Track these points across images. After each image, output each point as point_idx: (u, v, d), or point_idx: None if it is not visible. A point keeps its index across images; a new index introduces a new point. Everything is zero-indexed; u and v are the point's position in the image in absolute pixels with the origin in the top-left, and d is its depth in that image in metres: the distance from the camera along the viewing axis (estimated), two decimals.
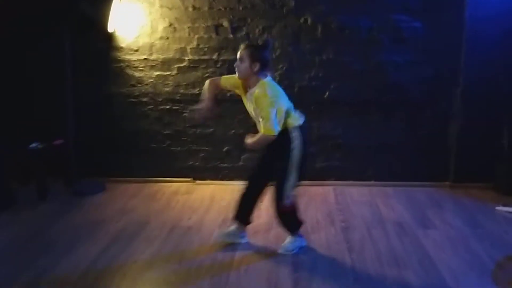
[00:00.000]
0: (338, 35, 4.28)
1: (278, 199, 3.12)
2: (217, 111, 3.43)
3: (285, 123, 3.05)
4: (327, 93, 4.39)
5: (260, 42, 4.03)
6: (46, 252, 3.22)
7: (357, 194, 4.31)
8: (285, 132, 3.05)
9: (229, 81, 3.21)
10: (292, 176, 3.07)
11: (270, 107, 2.93)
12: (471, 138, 4.34)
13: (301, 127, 3.10)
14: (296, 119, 3.11)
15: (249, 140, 3.12)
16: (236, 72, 3.07)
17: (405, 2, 4.19)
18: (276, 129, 2.97)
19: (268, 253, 3.17)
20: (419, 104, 4.37)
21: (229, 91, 3.48)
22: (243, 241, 3.35)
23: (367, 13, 4.23)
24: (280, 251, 3.21)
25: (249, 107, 3.14)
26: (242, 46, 3.06)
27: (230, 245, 3.28)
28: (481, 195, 4.22)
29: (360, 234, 3.46)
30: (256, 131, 3.12)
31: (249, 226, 3.37)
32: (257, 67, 2.98)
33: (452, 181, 4.44)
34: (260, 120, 2.99)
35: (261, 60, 2.98)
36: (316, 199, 4.20)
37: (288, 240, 3.26)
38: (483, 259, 3.07)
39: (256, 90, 2.98)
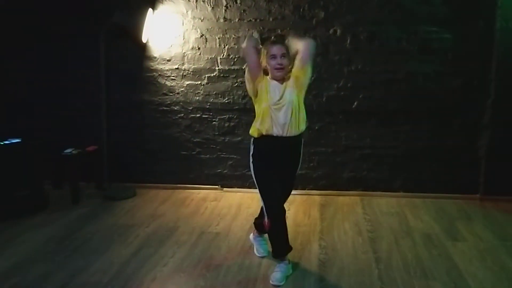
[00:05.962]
0: (367, 46, 4.30)
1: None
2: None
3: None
4: (355, 103, 4.40)
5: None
6: (79, 254, 3.32)
7: (385, 204, 4.29)
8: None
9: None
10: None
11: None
12: (501, 150, 4.28)
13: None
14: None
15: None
16: (280, 71, 2.76)
17: (435, 13, 4.18)
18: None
19: (294, 261, 3.18)
20: (449, 115, 4.33)
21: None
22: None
23: (396, 23, 4.24)
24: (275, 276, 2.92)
25: (289, 97, 2.80)
26: (277, 39, 2.94)
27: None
28: None
29: (388, 244, 3.45)
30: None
31: None
32: None
33: (482, 194, 4.37)
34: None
35: None
36: (343, 209, 4.20)
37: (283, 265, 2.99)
38: None
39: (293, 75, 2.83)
